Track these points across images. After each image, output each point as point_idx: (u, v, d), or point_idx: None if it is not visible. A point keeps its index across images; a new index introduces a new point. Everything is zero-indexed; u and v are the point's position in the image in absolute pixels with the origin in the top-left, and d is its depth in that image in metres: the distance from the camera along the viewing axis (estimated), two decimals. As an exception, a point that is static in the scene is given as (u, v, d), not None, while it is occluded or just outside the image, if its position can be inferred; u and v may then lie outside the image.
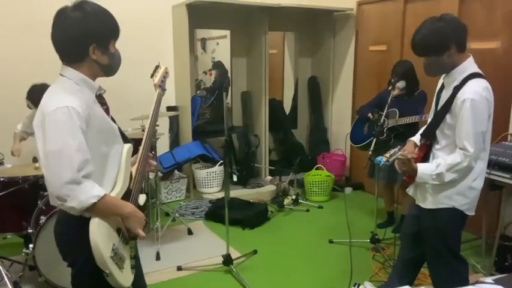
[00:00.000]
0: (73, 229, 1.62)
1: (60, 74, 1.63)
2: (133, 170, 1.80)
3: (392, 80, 3.59)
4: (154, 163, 1.94)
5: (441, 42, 2.08)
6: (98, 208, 1.53)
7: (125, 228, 1.70)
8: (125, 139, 1.82)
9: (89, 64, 1.62)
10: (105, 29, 1.62)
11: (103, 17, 1.62)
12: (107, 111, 1.73)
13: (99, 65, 1.64)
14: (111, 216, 1.61)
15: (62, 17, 1.58)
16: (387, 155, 2.21)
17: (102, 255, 1.53)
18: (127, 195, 1.72)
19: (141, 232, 1.69)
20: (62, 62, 1.63)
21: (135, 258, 1.80)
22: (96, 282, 1.61)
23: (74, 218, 1.59)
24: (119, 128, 1.80)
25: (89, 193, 1.49)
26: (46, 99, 1.56)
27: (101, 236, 1.54)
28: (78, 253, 1.61)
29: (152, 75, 1.95)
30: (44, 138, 1.51)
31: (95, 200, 1.50)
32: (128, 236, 1.72)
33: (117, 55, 1.71)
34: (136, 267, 1.88)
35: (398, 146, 2.28)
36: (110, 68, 1.69)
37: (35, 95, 3.19)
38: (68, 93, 1.55)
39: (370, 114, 3.80)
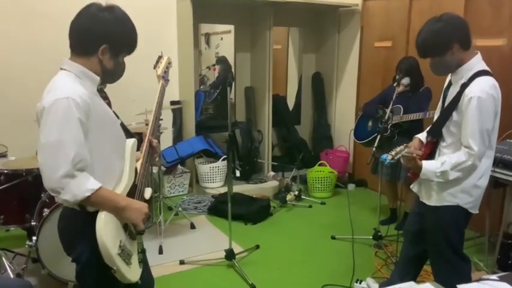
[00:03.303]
0: (76, 225, 1.62)
1: (61, 68, 1.63)
2: (138, 164, 1.79)
3: (397, 77, 3.57)
4: (156, 142, 1.91)
5: (441, 42, 2.08)
6: (92, 201, 1.53)
7: (131, 224, 1.69)
8: (129, 134, 1.81)
9: (94, 62, 1.62)
10: (123, 39, 1.64)
11: (127, 27, 1.65)
12: (108, 105, 1.73)
13: (103, 68, 1.64)
14: (109, 211, 1.58)
15: (89, 11, 1.60)
16: (392, 153, 2.20)
17: (109, 253, 1.53)
18: (133, 191, 1.71)
19: (140, 225, 1.65)
20: (70, 52, 1.63)
21: (143, 252, 1.79)
22: (101, 278, 1.61)
23: (77, 213, 1.59)
24: (122, 123, 1.79)
25: (82, 186, 1.49)
26: (46, 91, 1.56)
27: (107, 233, 1.54)
28: (82, 249, 1.61)
29: (155, 66, 1.94)
30: (42, 129, 1.51)
31: (88, 194, 1.49)
32: (134, 231, 1.71)
33: (122, 67, 1.72)
34: (145, 263, 1.88)
35: (404, 144, 2.27)
36: (111, 75, 1.69)
37: None
38: (68, 84, 1.54)
39: (380, 111, 3.74)
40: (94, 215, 1.56)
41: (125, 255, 1.61)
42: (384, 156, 2.20)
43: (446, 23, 2.08)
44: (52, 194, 1.52)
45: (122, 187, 1.67)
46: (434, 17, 2.12)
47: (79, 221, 1.60)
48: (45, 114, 1.50)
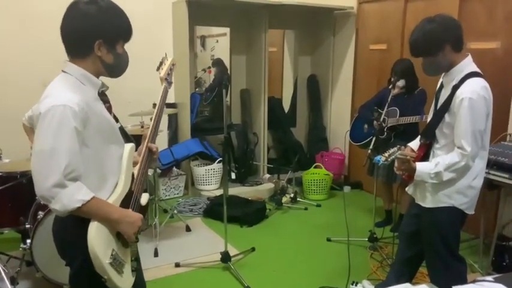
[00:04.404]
0: (70, 229, 1.60)
1: (62, 71, 1.60)
2: (136, 170, 1.76)
3: (392, 79, 3.58)
4: (156, 148, 1.86)
5: (433, 43, 2.10)
6: (83, 211, 1.50)
7: None
8: (127, 138, 1.79)
9: (93, 60, 1.59)
10: (114, 28, 1.59)
11: (115, 15, 1.60)
12: (109, 109, 1.69)
13: (103, 63, 1.61)
14: (101, 222, 1.56)
15: (73, 9, 1.56)
16: (386, 154, 2.21)
17: (100, 263, 1.51)
18: (128, 197, 1.68)
19: (131, 238, 1.63)
20: (68, 56, 1.61)
21: (136, 260, 1.77)
22: (94, 283, 1.59)
23: (72, 217, 1.55)
24: (121, 127, 1.77)
25: (73, 197, 1.46)
26: (45, 95, 1.53)
27: (99, 242, 1.52)
28: (76, 253, 1.59)
29: (158, 68, 1.89)
30: (36, 135, 1.48)
31: (78, 205, 1.47)
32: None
33: (124, 57, 1.68)
34: (139, 270, 1.85)
35: (398, 146, 2.28)
36: (115, 68, 1.65)
37: None
38: (68, 90, 1.52)
39: (375, 113, 3.72)
40: (88, 220, 1.54)
41: (117, 264, 1.58)
42: (378, 157, 2.21)
43: (439, 23, 2.09)
44: (43, 202, 1.50)
45: (116, 194, 1.64)
46: (428, 17, 2.14)
47: (73, 225, 1.58)
48: (40, 120, 1.47)
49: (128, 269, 1.68)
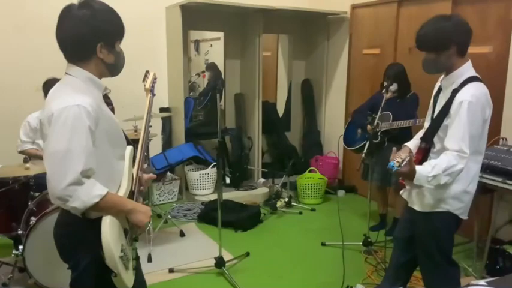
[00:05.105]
0: (76, 232, 1.61)
1: (66, 73, 1.61)
2: (134, 171, 1.80)
3: (385, 84, 3.59)
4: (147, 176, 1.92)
5: (442, 40, 2.09)
6: (100, 206, 1.52)
7: (130, 230, 1.71)
8: (127, 141, 1.81)
9: (95, 63, 1.60)
10: (112, 28, 1.61)
11: (110, 16, 1.61)
12: (111, 111, 1.73)
13: (105, 64, 1.63)
14: (115, 215, 1.59)
15: (68, 15, 1.56)
16: (399, 159, 2.12)
17: (113, 255, 1.53)
18: (130, 197, 1.72)
19: (144, 225, 1.68)
20: (67, 61, 1.61)
21: (137, 259, 1.81)
22: (98, 285, 1.60)
23: (77, 220, 1.57)
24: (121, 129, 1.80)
25: (90, 193, 1.48)
26: (54, 97, 1.54)
27: (112, 235, 1.55)
28: (81, 256, 1.61)
29: (144, 80, 1.97)
30: (50, 137, 1.49)
31: (97, 200, 1.49)
32: (132, 237, 1.73)
33: (122, 55, 1.70)
34: (139, 270, 1.88)
35: (409, 151, 2.25)
36: (116, 67, 1.69)
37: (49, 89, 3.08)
38: (77, 92, 1.53)
39: (369, 117, 3.73)
40: (94, 222, 1.56)
41: (125, 259, 1.62)
42: (392, 163, 2.12)
43: (454, 24, 2.10)
44: (59, 202, 1.50)
45: (121, 193, 1.68)
46: (444, 14, 2.15)
47: (79, 228, 1.60)
48: (54, 121, 1.47)
49: (131, 266, 1.71)
